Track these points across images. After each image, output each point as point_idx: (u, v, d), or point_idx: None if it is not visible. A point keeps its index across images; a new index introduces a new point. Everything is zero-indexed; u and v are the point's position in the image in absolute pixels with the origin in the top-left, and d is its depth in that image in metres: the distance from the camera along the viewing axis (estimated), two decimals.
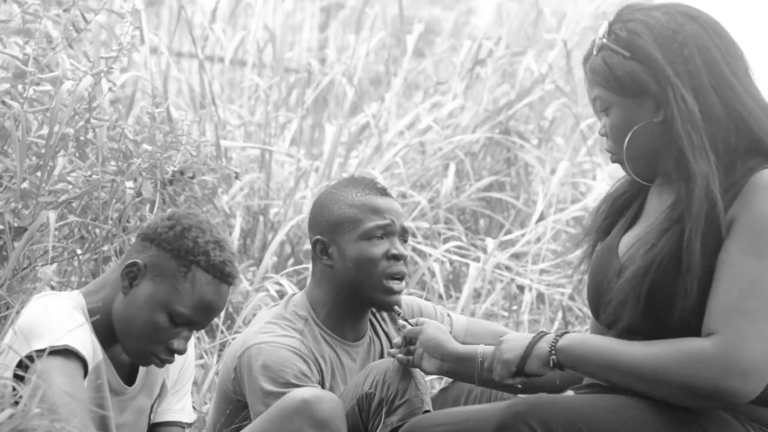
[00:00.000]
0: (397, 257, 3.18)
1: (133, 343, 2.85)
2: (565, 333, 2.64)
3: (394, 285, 3.18)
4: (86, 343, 2.74)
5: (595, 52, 2.67)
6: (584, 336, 2.64)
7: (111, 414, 2.88)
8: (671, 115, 2.58)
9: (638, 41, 2.61)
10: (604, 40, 2.65)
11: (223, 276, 2.87)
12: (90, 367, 2.74)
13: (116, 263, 3.00)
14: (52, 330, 2.68)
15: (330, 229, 3.22)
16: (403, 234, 3.24)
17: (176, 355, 2.88)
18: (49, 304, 2.79)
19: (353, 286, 3.19)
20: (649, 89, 2.60)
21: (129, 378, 2.96)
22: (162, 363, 2.88)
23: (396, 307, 3.21)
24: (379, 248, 3.18)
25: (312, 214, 3.29)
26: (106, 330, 2.87)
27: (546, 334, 2.67)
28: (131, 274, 2.85)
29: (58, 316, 2.74)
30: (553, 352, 2.63)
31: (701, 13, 2.65)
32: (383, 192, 3.24)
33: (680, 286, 2.53)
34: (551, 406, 2.50)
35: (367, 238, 3.18)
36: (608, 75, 2.63)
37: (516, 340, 2.71)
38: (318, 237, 3.23)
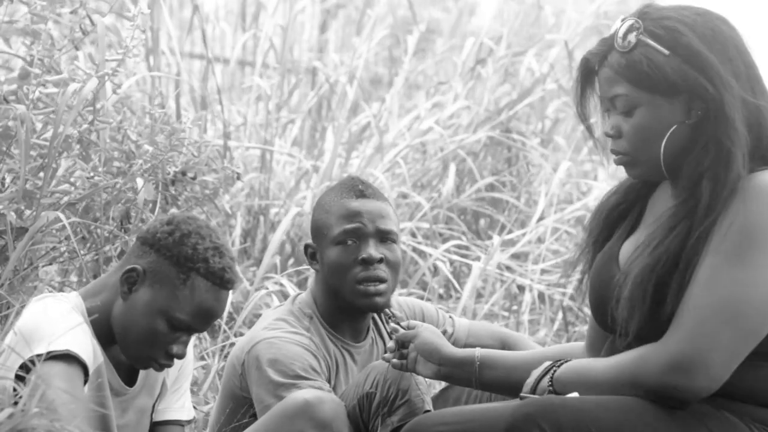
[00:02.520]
0: (367, 261, 3.15)
1: (133, 348, 2.84)
2: (565, 362, 2.65)
3: (369, 288, 3.15)
4: (86, 346, 2.73)
5: (626, 50, 2.56)
6: (575, 362, 2.64)
7: (112, 414, 2.88)
8: (722, 115, 2.50)
9: (683, 39, 2.52)
10: (641, 37, 2.55)
11: (223, 282, 2.84)
12: (90, 371, 2.73)
13: (116, 265, 2.98)
14: (52, 333, 2.66)
15: (314, 234, 3.24)
16: (382, 235, 3.18)
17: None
18: (49, 306, 2.78)
19: (334, 290, 3.19)
20: (696, 89, 2.51)
21: (129, 378, 2.95)
22: (161, 367, 2.87)
23: (387, 311, 3.20)
24: (349, 254, 3.16)
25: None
26: (105, 331, 2.85)
27: (553, 367, 2.66)
28: (130, 280, 2.83)
29: (58, 319, 2.73)
30: (551, 384, 2.63)
31: (726, 17, 2.59)
32: (360, 194, 3.20)
33: (675, 283, 2.50)
34: (561, 407, 2.49)
35: (338, 244, 3.17)
36: (649, 73, 2.53)
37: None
38: (308, 242, 3.25)
